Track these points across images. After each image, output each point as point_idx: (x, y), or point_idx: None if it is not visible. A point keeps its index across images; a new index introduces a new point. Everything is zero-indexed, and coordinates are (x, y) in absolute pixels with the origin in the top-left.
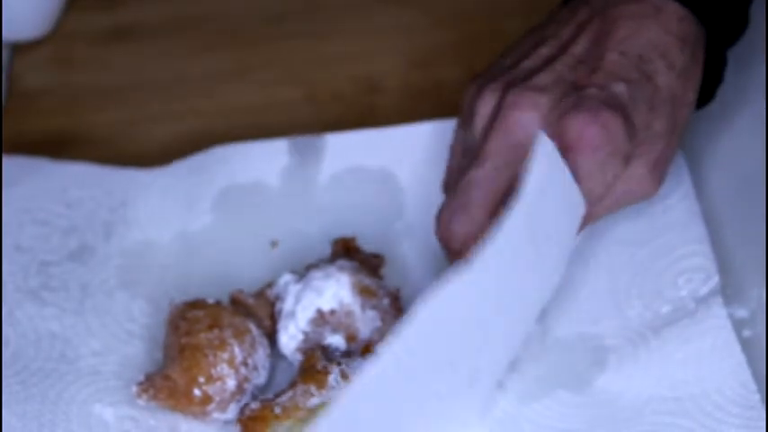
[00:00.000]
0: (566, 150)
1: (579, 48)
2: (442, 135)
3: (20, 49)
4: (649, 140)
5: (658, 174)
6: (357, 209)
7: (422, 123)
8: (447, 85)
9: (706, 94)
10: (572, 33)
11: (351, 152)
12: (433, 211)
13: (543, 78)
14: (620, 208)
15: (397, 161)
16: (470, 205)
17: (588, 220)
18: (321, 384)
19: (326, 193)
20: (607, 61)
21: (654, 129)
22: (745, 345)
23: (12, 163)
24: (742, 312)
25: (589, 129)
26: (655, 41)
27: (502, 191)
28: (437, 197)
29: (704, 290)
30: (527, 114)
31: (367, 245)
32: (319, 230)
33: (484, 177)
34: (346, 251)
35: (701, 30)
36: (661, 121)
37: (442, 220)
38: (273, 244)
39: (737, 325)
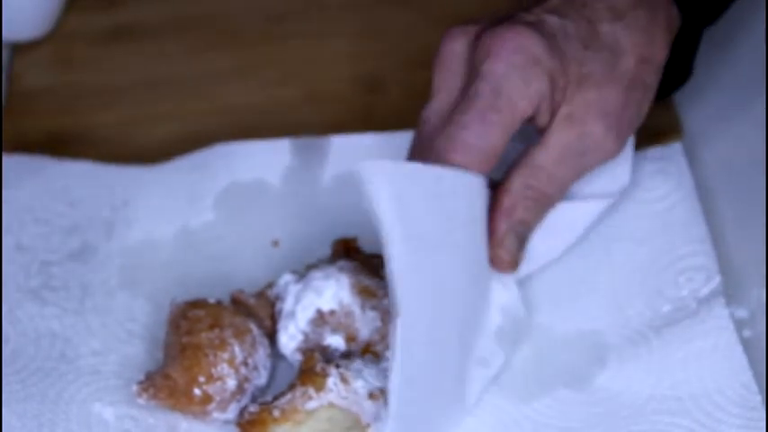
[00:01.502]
0: (482, 62)
1: (528, 3)
2: None
3: (20, 49)
4: (590, 86)
5: (615, 131)
6: (358, 212)
7: None
8: None
9: (685, 70)
10: None
11: (353, 155)
12: None
13: (481, 18)
14: (584, 172)
15: None
16: (422, 142)
17: (554, 186)
18: (320, 387)
19: (328, 194)
20: (547, 3)
21: (588, 68)
22: (745, 345)
23: (13, 162)
24: (742, 312)
25: (501, 36)
26: None
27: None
28: None
29: (706, 290)
30: (456, 42)
31: (368, 246)
32: (321, 231)
33: (430, 112)
34: (347, 252)
35: (667, 0)
36: (597, 63)
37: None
38: (275, 244)
39: (737, 325)
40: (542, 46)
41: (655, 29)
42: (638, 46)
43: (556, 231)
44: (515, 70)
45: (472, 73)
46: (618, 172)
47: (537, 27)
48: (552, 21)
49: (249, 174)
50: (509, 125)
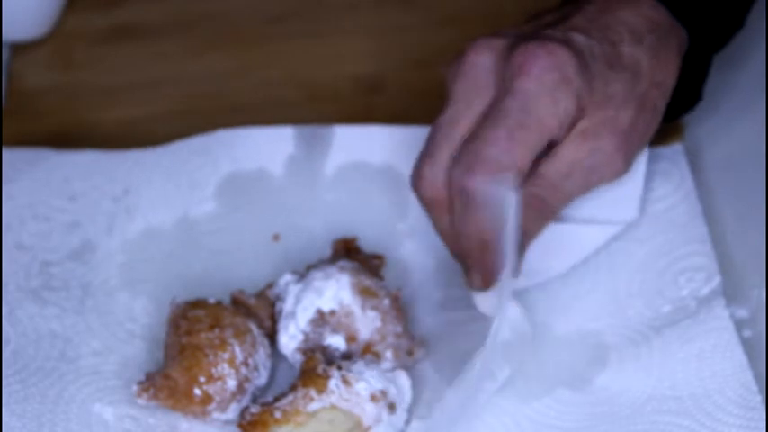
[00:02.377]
0: (512, 79)
1: (548, 17)
2: None
3: (20, 49)
4: (611, 105)
5: (624, 150)
6: (360, 206)
7: (429, 126)
8: None
9: (694, 95)
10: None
11: (357, 146)
12: None
13: (506, 30)
14: (590, 188)
15: (403, 159)
16: (434, 148)
17: (559, 198)
18: (321, 388)
19: (330, 188)
20: (572, 20)
21: (612, 88)
22: (746, 345)
23: (11, 156)
24: (742, 312)
25: (534, 53)
26: (623, 18)
27: (464, 132)
28: None
29: (706, 290)
30: (482, 55)
31: (368, 245)
32: (321, 227)
33: (446, 120)
34: (347, 252)
35: (679, 26)
36: (619, 84)
37: (414, 168)
38: (275, 237)
39: (737, 325)
40: (574, 66)
41: (668, 53)
42: (653, 69)
43: (557, 251)
44: (546, 89)
45: (500, 88)
46: (629, 203)
47: (568, 45)
48: (579, 39)
49: (251, 162)
50: (536, 144)
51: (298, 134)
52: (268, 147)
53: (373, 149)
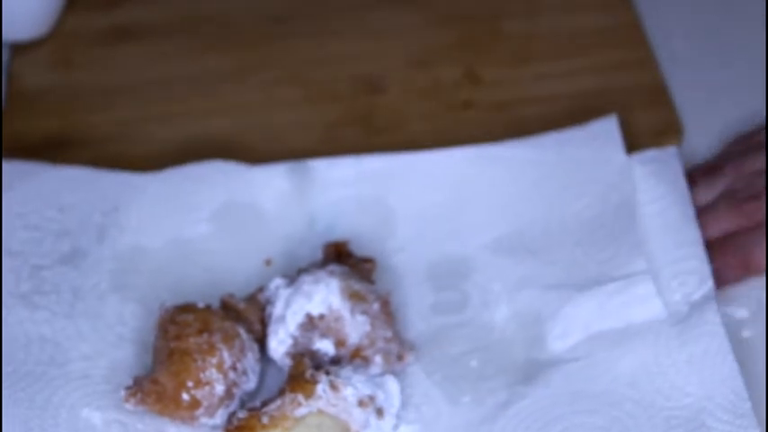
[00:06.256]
0: None
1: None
2: (436, 164)
3: (20, 49)
4: None
5: None
6: (351, 234)
7: (416, 153)
8: (447, 85)
9: None
10: None
11: (348, 177)
12: (427, 236)
13: None
14: None
15: (392, 188)
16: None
17: None
18: (309, 393)
19: (322, 219)
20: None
21: None
22: (746, 345)
23: (5, 167)
24: (742, 312)
25: None
26: None
27: None
28: (430, 224)
29: (698, 294)
30: None
31: (359, 252)
32: (313, 255)
33: None
34: (338, 255)
35: None
36: None
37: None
38: (267, 262)
39: (737, 325)
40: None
41: None
42: None
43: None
44: None
45: None
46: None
47: None
48: None
49: (245, 194)
50: None
51: (290, 169)
52: (262, 179)
53: (365, 179)
